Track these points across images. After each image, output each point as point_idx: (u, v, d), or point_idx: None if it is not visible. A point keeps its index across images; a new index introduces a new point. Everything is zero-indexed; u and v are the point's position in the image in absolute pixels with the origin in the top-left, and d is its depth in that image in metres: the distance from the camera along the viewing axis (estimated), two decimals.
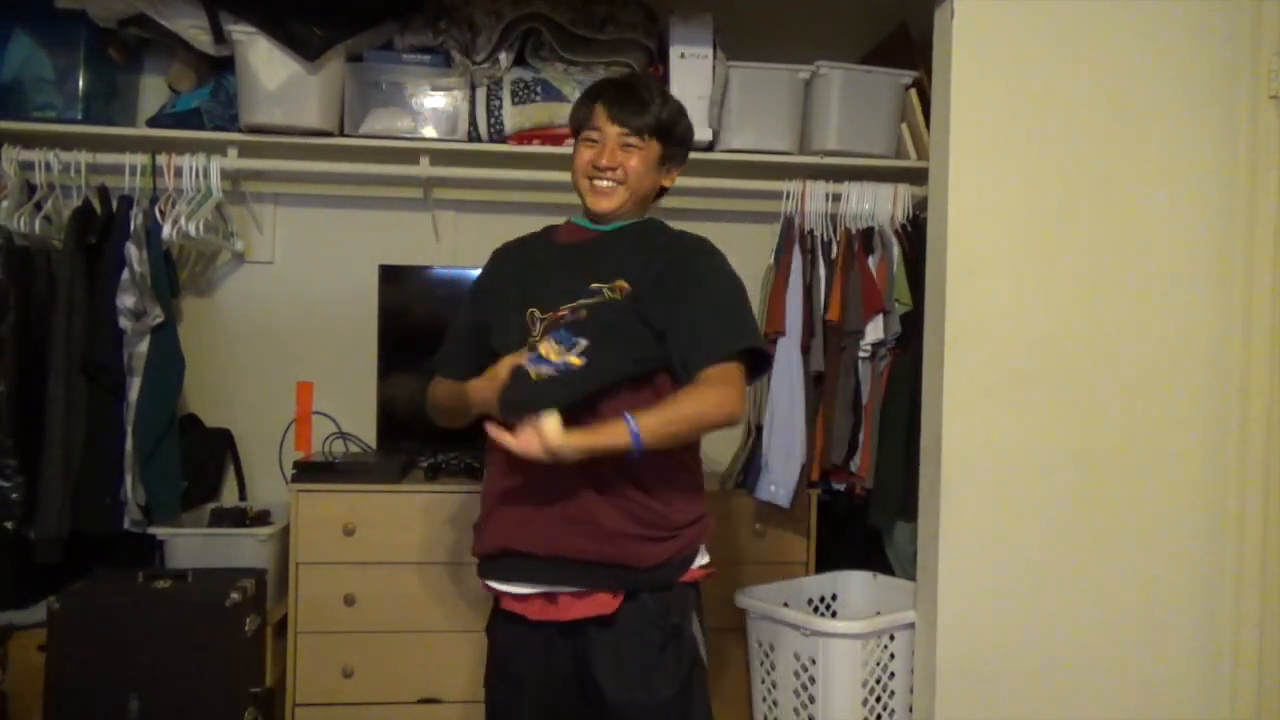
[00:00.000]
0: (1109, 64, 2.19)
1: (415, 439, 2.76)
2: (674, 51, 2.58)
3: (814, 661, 2.20)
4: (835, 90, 2.64)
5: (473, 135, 2.60)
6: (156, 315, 2.39)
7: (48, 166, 2.45)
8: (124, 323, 2.38)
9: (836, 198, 2.65)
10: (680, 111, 1.81)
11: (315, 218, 2.89)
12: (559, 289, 1.72)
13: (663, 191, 1.86)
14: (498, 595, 1.80)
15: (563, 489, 1.67)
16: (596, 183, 1.74)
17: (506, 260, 1.88)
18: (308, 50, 2.44)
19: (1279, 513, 2.22)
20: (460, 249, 2.93)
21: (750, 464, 2.62)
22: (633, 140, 1.74)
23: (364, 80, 2.57)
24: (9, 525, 2.31)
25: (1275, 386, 2.22)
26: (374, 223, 2.91)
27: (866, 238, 2.63)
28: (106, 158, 2.49)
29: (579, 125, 1.79)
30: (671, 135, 1.78)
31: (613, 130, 1.73)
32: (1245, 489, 2.23)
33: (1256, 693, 2.23)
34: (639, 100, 1.75)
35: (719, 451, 2.96)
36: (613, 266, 1.71)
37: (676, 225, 2.89)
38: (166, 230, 2.45)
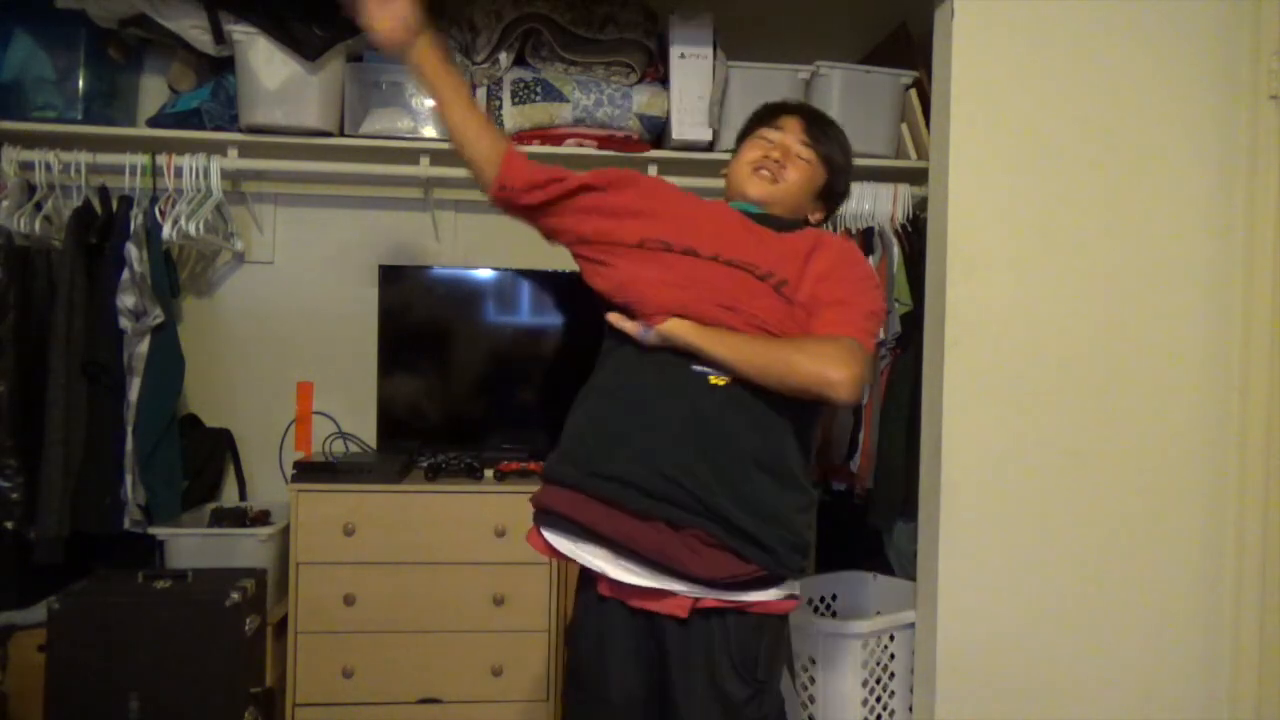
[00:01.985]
0: (1109, 64, 2.19)
1: (415, 439, 2.77)
2: (674, 51, 2.58)
3: (814, 661, 2.20)
4: (835, 90, 2.64)
5: None
6: (156, 315, 2.39)
7: (48, 166, 2.45)
8: (124, 323, 2.38)
9: None
10: (847, 162, 1.83)
11: (315, 218, 2.89)
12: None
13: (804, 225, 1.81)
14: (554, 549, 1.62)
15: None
16: (760, 171, 1.75)
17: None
18: (308, 50, 2.44)
19: (1279, 512, 2.22)
20: (460, 249, 2.93)
21: None
22: (809, 152, 1.76)
23: (364, 80, 2.57)
24: (9, 525, 2.31)
25: (1275, 386, 2.22)
26: (374, 223, 2.91)
27: (866, 238, 2.63)
28: (106, 158, 2.49)
29: (750, 129, 1.82)
30: (835, 173, 1.79)
31: (796, 128, 1.77)
32: (1245, 489, 2.23)
33: (1256, 693, 2.23)
34: (826, 125, 1.81)
35: None
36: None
37: None
38: (166, 230, 2.45)
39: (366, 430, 2.83)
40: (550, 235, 1.80)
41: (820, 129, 1.80)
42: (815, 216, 1.82)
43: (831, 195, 1.83)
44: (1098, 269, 2.20)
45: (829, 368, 1.51)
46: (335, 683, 2.42)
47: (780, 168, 1.74)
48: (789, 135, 1.77)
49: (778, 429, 1.59)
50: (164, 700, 2.16)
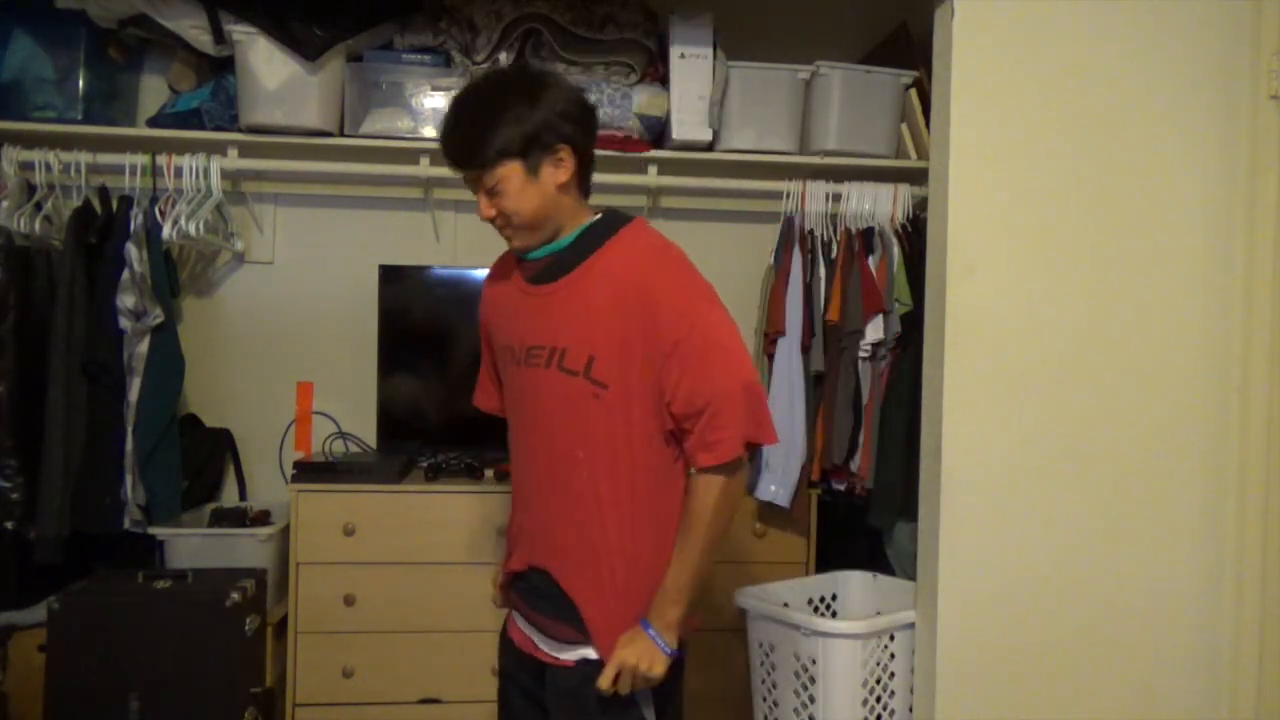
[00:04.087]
0: (1109, 64, 2.19)
1: (415, 439, 2.77)
2: (674, 51, 2.58)
3: (814, 661, 2.20)
4: (835, 90, 2.64)
5: None
6: (156, 315, 2.39)
7: (48, 166, 2.46)
8: (124, 323, 2.38)
9: (836, 198, 2.65)
10: (520, 112, 1.52)
11: (315, 218, 2.89)
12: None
13: (584, 184, 1.62)
14: None
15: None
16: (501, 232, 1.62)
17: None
18: (308, 50, 2.44)
19: (1279, 513, 2.22)
20: (460, 249, 2.93)
21: (750, 464, 2.61)
22: (487, 180, 1.54)
23: (364, 80, 2.57)
24: (9, 525, 2.32)
25: (1275, 386, 2.22)
26: (374, 223, 2.91)
27: (866, 238, 2.64)
28: (106, 158, 2.49)
29: None
30: (524, 144, 1.52)
31: (467, 179, 1.58)
32: (1245, 488, 2.23)
33: (1256, 693, 2.23)
34: (463, 138, 1.55)
35: None
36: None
37: (677, 226, 2.91)
38: (166, 230, 2.45)
39: (366, 430, 2.83)
40: None
41: (456, 159, 1.56)
42: (563, 174, 1.55)
43: (551, 142, 1.52)
44: (1098, 269, 2.19)
45: (736, 492, 1.56)
46: (335, 683, 2.42)
47: (498, 222, 1.59)
48: (473, 189, 1.59)
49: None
50: (164, 700, 2.16)
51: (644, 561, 1.58)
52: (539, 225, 1.59)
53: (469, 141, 1.54)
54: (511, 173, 1.53)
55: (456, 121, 1.56)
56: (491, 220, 1.61)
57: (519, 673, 1.71)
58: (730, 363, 1.53)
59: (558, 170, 1.56)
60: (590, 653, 1.58)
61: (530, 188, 1.54)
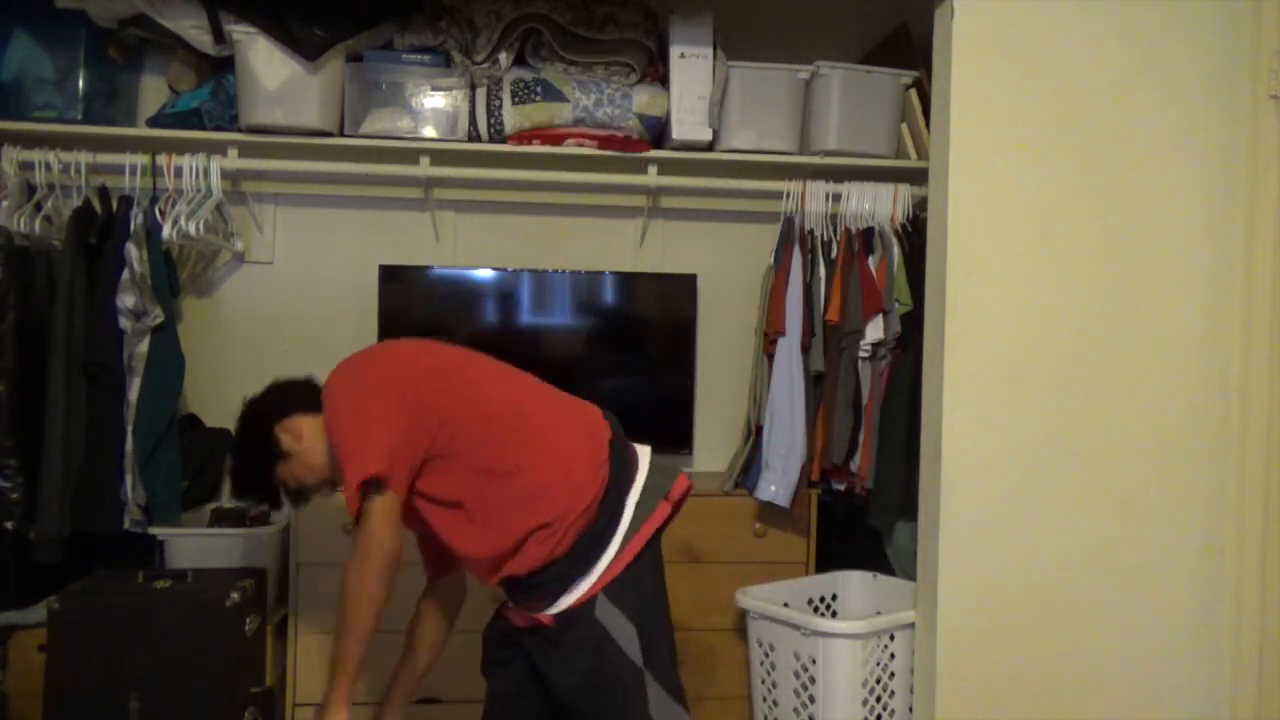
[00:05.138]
0: (1109, 63, 2.19)
1: None
2: (674, 51, 2.58)
3: (814, 661, 2.20)
4: (835, 90, 2.64)
5: (473, 135, 2.60)
6: (156, 315, 2.39)
7: (48, 166, 2.45)
8: (124, 323, 2.38)
9: (836, 198, 2.65)
10: (245, 452, 1.92)
11: (315, 218, 2.89)
12: None
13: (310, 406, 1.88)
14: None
15: None
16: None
17: None
18: (308, 50, 2.44)
19: (1279, 514, 2.22)
20: (460, 249, 2.93)
21: (750, 464, 2.62)
22: (289, 489, 1.90)
23: (364, 80, 2.57)
24: (9, 525, 2.32)
25: (1275, 386, 2.22)
26: (374, 223, 2.91)
27: (866, 238, 2.64)
28: (106, 158, 2.49)
29: None
30: (264, 457, 1.86)
31: None
32: (1245, 488, 2.23)
33: (1257, 694, 2.23)
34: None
35: (720, 452, 2.96)
36: None
37: (677, 226, 2.90)
38: (166, 230, 2.45)
39: None
40: None
41: (259, 500, 1.96)
42: (292, 440, 1.85)
43: (268, 436, 1.86)
44: (1098, 268, 2.20)
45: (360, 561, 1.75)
46: None
47: (324, 492, 1.91)
48: None
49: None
50: (164, 700, 2.16)
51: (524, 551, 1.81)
52: (328, 462, 1.83)
53: (253, 497, 1.95)
54: (281, 472, 1.86)
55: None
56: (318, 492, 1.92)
57: (498, 632, 2.00)
58: (348, 444, 1.73)
59: (291, 435, 1.85)
60: (561, 604, 1.77)
61: (295, 462, 1.85)
